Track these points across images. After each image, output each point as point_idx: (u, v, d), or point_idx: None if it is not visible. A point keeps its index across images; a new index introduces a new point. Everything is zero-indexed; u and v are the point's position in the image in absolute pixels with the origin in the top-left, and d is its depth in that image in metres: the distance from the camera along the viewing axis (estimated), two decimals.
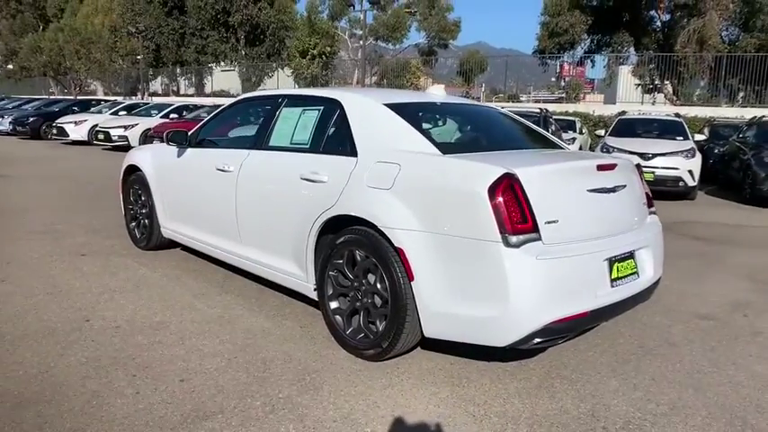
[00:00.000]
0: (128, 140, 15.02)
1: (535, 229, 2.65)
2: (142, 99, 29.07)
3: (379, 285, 3.05)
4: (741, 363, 3.38)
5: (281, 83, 33.69)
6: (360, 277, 3.17)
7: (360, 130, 3.32)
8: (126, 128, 15.33)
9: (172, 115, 16.43)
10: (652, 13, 24.10)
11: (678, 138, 10.95)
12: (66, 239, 5.71)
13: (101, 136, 15.52)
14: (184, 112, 17.20)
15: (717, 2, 20.75)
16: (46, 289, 4.21)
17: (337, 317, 3.33)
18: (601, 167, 3.07)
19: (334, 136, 3.50)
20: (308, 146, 3.61)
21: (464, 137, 3.41)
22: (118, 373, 2.94)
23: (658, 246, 3.39)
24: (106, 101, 22.69)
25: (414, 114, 3.37)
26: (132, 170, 5.42)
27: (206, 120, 4.70)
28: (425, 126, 3.27)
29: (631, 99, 24.07)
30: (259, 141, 3.97)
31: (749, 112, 20.07)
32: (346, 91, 3.78)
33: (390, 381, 2.97)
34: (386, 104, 3.40)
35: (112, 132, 15.26)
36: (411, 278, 2.85)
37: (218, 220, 4.22)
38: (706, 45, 20.55)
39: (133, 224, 5.48)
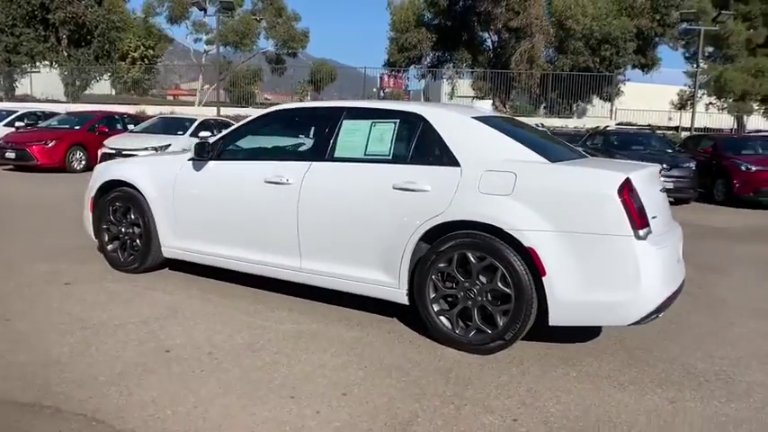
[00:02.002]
0: None
1: (648, 223, 3.18)
2: None
3: (500, 284, 3.32)
4: (738, 321, 4.30)
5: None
6: (473, 278, 3.41)
7: (456, 142, 3.55)
8: None
9: (18, 123, 14.24)
10: (485, 34, 26.92)
11: None
12: (27, 268, 4.92)
13: None
14: (26, 120, 15.03)
15: (540, 27, 23.96)
16: (73, 323, 3.70)
17: (442, 318, 3.52)
18: (660, 171, 3.72)
19: (423, 147, 3.68)
20: (389, 157, 3.73)
21: (544, 147, 3.80)
22: (272, 397, 2.82)
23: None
24: None
25: (501, 127, 3.70)
26: (112, 186, 4.89)
27: (228, 132, 4.48)
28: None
29: None
30: (321, 153, 3.95)
31: (571, 122, 23.53)
32: (425, 105, 3.96)
33: (520, 369, 3.27)
34: (474, 117, 3.69)
35: None
36: (543, 274, 3.19)
37: (268, 234, 4.08)
38: (534, 64, 23.58)
39: (112, 246, 4.94)
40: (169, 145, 11.86)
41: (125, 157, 10.43)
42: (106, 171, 4.99)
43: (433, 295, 3.54)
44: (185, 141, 12.32)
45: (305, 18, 33.08)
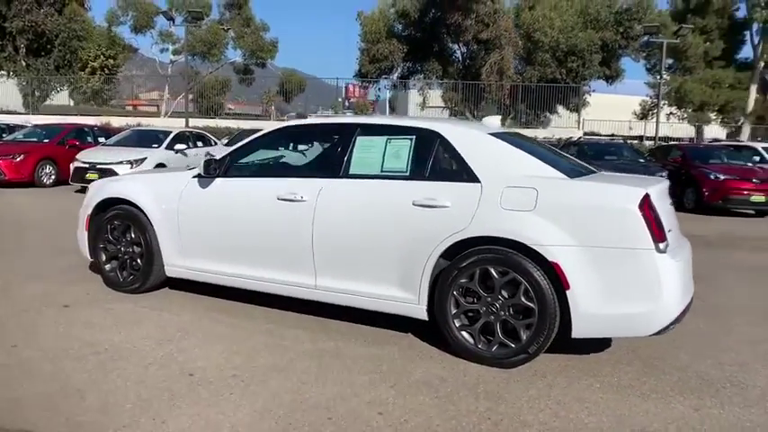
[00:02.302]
0: None
1: (666, 237, 3.28)
2: None
3: (523, 298, 3.37)
4: (735, 327, 4.47)
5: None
6: (495, 293, 3.45)
7: (475, 159, 3.60)
8: None
9: None
10: (455, 46, 27.31)
11: None
12: (17, 290, 4.74)
13: None
14: None
15: (509, 39, 24.44)
16: (84, 348, 3.57)
17: (464, 333, 3.55)
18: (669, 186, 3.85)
19: (441, 164, 3.72)
20: (407, 174, 3.75)
21: (559, 162, 3.86)
22: (311, 419, 2.79)
23: None
24: None
25: (515, 143, 3.77)
26: (110, 204, 4.77)
27: (235, 148, 4.41)
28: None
29: None
30: (335, 169, 3.94)
31: (540, 133, 23.99)
32: (441, 122, 3.99)
33: (546, 382, 3.31)
34: (491, 134, 3.75)
35: None
36: (567, 287, 3.25)
37: (281, 252, 4.04)
38: (504, 75, 24.04)
39: (110, 266, 4.81)
40: (145, 158, 11.62)
41: (104, 172, 10.21)
42: (103, 188, 4.87)
43: (454, 311, 3.56)
44: (161, 154, 12.12)
45: (274, 28, 32.87)
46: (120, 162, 11.16)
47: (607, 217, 3.26)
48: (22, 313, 4.21)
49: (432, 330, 3.77)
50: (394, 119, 4.29)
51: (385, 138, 3.90)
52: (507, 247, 3.39)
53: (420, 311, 3.69)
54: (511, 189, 3.44)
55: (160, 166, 11.87)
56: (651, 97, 32.99)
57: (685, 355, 3.83)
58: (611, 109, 29.94)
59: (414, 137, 3.83)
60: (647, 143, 23.50)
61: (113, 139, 13.30)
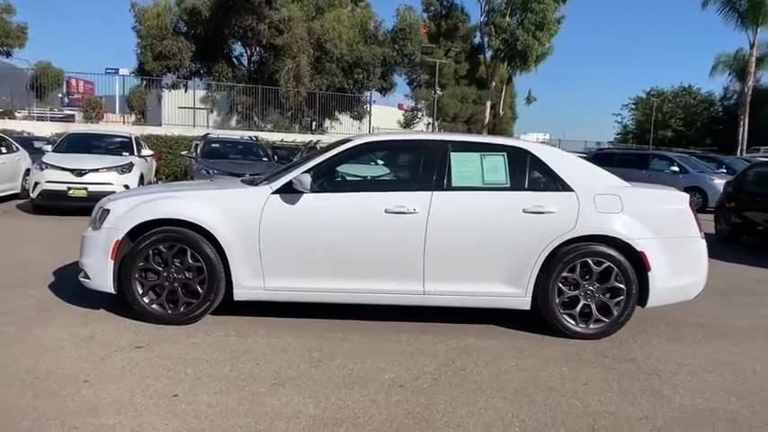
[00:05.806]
0: None
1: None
2: None
3: (615, 281, 4.28)
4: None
5: None
6: (591, 279, 4.30)
7: (565, 172, 4.37)
8: None
9: None
10: (246, 49, 26.98)
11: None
12: (43, 337, 3.83)
13: None
14: None
15: (301, 47, 25.21)
16: (261, 382, 3.30)
17: (566, 317, 4.32)
18: None
19: (536, 177, 4.40)
20: (508, 185, 4.34)
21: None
22: (548, 399, 3.26)
23: None
24: None
25: (581, 157, 4.65)
26: (148, 226, 4.20)
27: (315, 164, 4.32)
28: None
29: (177, 122, 25.90)
30: (438, 183, 4.29)
31: (324, 138, 25.23)
32: (521, 141, 4.61)
33: (636, 344, 4.28)
34: (564, 151, 4.57)
35: None
36: (649, 269, 4.27)
37: (389, 263, 4.23)
38: (300, 83, 24.76)
39: (149, 298, 4.25)
40: None
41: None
42: (145, 208, 4.23)
43: (557, 299, 4.30)
44: None
45: (24, 13, 27.37)
46: None
47: (670, 214, 4.40)
48: (100, 362, 3.52)
49: (513, 318, 4.47)
50: (480, 137, 4.78)
51: (478, 154, 4.42)
52: (601, 242, 4.27)
53: (525, 303, 4.33)
54: (600, 196, 4.33)
55: None
56: (412, 109, 37.48)
57: (679, 314, 5.18)
58: (385, 118, 33.09)
59: (505, 153, 4.43)
60: None
61: None
